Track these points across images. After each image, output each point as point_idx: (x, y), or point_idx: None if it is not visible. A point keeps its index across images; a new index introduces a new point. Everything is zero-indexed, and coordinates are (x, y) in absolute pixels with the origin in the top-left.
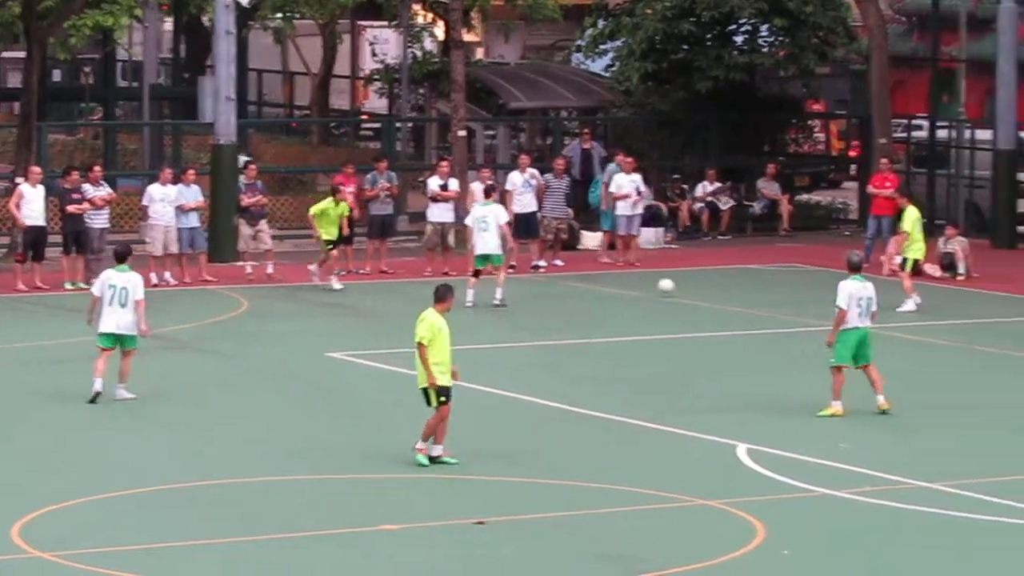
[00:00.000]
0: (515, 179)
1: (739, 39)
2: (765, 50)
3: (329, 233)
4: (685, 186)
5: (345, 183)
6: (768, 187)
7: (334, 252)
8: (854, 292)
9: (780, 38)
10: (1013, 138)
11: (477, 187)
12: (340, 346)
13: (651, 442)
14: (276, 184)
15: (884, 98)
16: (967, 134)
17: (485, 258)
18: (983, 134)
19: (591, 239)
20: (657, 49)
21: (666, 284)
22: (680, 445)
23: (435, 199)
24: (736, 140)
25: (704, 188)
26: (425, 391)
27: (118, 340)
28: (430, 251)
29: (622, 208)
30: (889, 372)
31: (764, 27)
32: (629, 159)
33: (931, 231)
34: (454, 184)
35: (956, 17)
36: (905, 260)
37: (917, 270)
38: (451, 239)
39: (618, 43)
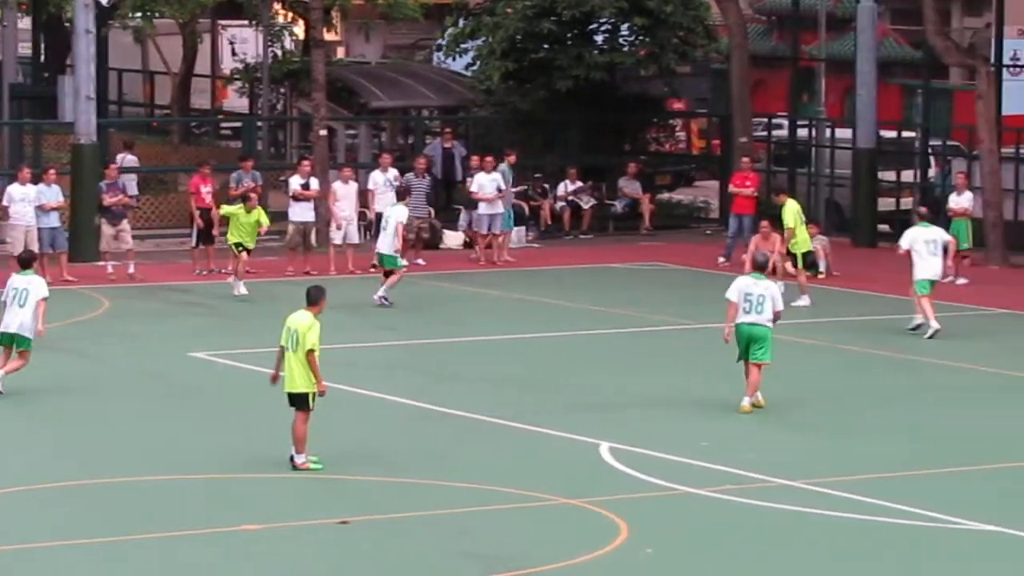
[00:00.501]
0: (377, 178)
1: (600, 38)
2: (626, 49)
3: (240, 237)
4: (547, 185)
5: (202, 184)
6: (629, 186)
7: (244, 256)
8: (743, 288)
9: (640, 37)
10: (873, 137)
11: (339, 187)
12: (202, 346)
13: (514, 441)
14: (137, 184)
15: (744, 97)
16: (827, 133)
17: (380, 257)
18: (843, 133)
19: (453, 238)
20: (518, 48)
21: None
22: (543, 444)
23: (296, 198)
24: (597, 139)
25: (565, 187)
26: (303, 396)
27: (12, 339)
28: (292, 251)
29: (484, 207)
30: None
31: (625, 26)
32: (489, 158)
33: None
34: (315, 183)
35: (815, 16)
36: (795, 257)
37: (807, 263)
38: (312, 238)
39: (479, 42)
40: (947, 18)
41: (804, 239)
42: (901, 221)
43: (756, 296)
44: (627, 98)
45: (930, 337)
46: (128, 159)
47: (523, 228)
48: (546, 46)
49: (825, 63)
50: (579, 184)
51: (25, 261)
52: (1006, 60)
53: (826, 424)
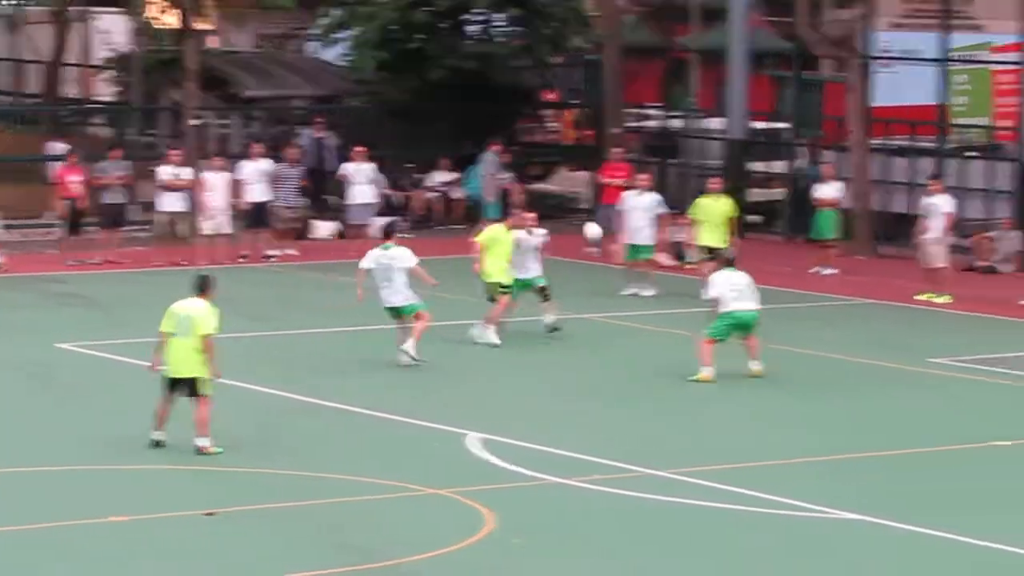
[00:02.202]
0: (248, 168)
1: (474, 28)
2: (500, 39)
3: None
4: (419, 176)
5: (70, 173)
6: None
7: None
8: (724, 281)
9: (515, 27)
10: (743, 128)
11: (210, 177)
12: (70, 337)
13: (385, 432)
14: (7, 173)
15: (617, 88)
16: (698, 123)
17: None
18: (714, 123)
19: (324, 228)
20: (391, 38)
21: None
22: (412, 434)
23: (167, 188)
24: (470, 130)
25: (437, 178)
26: (191, 381)
27: None
28: (161, 240)
29: (358, 198)
30: (619, 360)
31: (499, 16)
32: (360, 148)
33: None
34: (186, 173)
35: (688, 7)
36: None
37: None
38: (182, 228)
39: (353, 32)
40: (818, 10)
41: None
42: (770, 212)
43: (742, 286)
44: (501, 88)
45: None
46: None
47: (395, 218)
48: (420, 36)
49: (697, 54)
50: (451, 175)
51: None
52: (876, 52)
53: (692, 413)
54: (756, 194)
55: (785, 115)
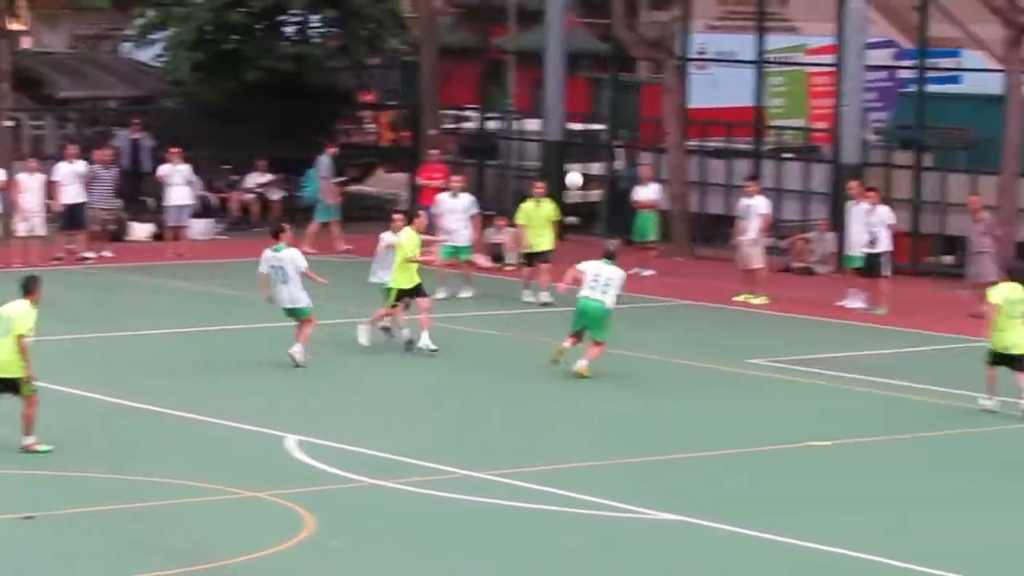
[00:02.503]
0: (62, 170)
1: (290, 30)
2: (316, 41)
3: None
4: (235, 177)
5: None
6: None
7: None
8: (591, 268)
9: (331, 29)
10: (561, 129)
11: (24, 178)
12: None
13: (202, 434)
14: None
15: (434, 89)
16: (516, 125)
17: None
18: (532, 125)
19: (140, 230)
20: (207, 39)
21: (574, 179)
22: (231, 437)
23: None
24: (287, 131)
25: (254, 179)
26: (14, 381)
27: None
28: None
29: (173, 199)
30: (439, 362)
31: (315, 18)
32: (175, 149)
33: (481, 222)
34: (0, 174)
35: (505, 9)
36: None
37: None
38: None
39: (168, 32)
40: (635, 12)
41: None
42: (588, 213)
43: (604, 279)
44: (318, 90)
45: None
46: None
47: (212, 220)
48: (236, 37)
49: (514, 55)
50: (268, 176)
51: None
52: (692, 54)
53: (512, 414)
54: (574, 196)
55: (602, 117)
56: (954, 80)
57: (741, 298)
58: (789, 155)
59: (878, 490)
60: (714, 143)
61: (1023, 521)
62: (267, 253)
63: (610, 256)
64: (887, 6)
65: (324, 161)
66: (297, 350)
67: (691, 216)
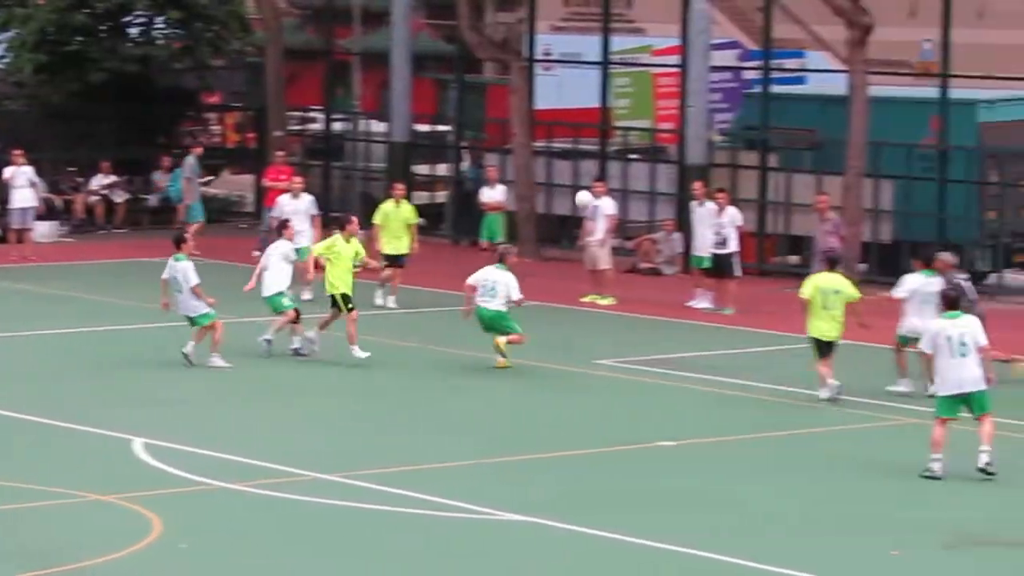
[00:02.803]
0: None
1: (134, 31)
2: (160, 42)
3: None
4: (80, 179)
5: None
6: (163, 180)
7: None
8: (481, 276)
9: (176, 30)
10: (407, 130)
11: None
12: None
13: (48, 438)
14: None
15: (279, 91)
16: (362, 126)
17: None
18: (378, 126)
19: None
20: (50, 40)
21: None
22: (76, 441)
23: None
24: (131, 132)
25: (98, 181)
26: None
27: None
28: None
29: (16, 202)
30: (284, 365)
31: (160, 19)
32: (18, 151)
33: (326, 223)
34: None
35: (350, 10)
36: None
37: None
38: None
39: (10, 34)
40: (480, 13)
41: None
42: (435, 214)
43: (491, 283)
44: (162, 91)
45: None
46: None
47: (56, 222)
48: (79, 38)
49: (359, 57)
50: (113, 178)
51: None
52: (538, 55)
53: (365, 416)
54: (420, 197)
55: (448, 118)
56: (799, 81)
57: (588, 299)
58: (635, 156)
59: (724, 489)
60: (560, 144)
61: (867, 514)
62: (170, 261)
63: (501, 260)
64: (731, 7)
65: (189, 162)
66: (189, 348)
67: (537, 217)
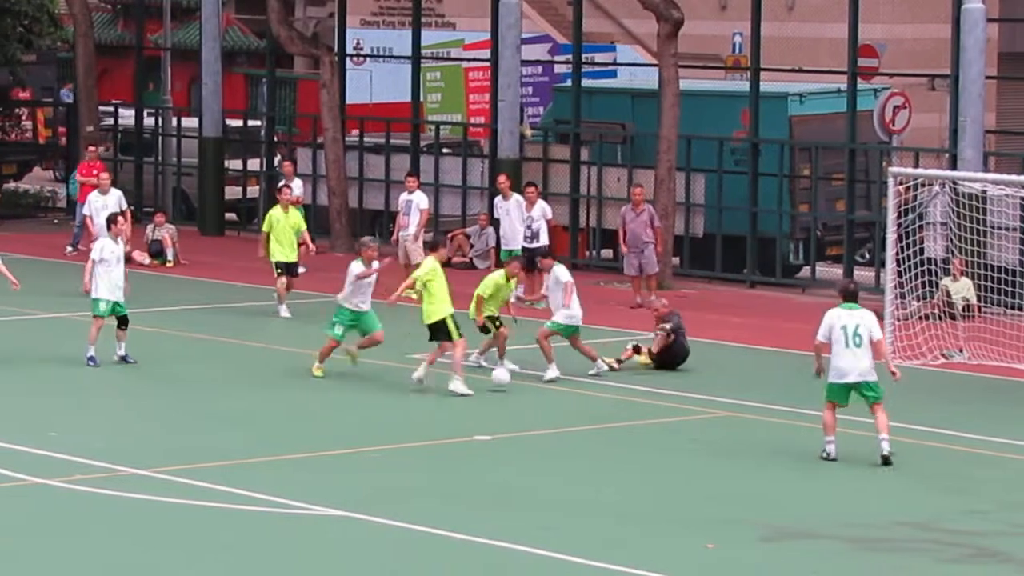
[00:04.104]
0: None
1: None
2: None
3: None
4: None
5: None
6: None
7: None
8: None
9: None
10: (219, 126)
11: None
12: None
13: None
14: None
15: (90, 86)
16: (173, 121)
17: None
18: (189, 122)
19: None
20: None
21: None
22: None
23: None
24: None
25: None
26: None
27: None
28: None
29: None
30: (116, 366)
31: None
32: None
33: (140, 218)
34: None
35: (160, 5)
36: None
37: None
38: None
39: None
40: (291, 8)
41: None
42: (248, 209)
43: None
44: None
45: None
46: None
47: None
48: None
49: (170, 52)
50: None
51: None
52: (349, 49)
53: (177, 411)
54: (233, 192)
55: (259, 113)
56: (610, 75)
57: (405, 295)
58: (447, 150)
59: (539, 483)
60: (372, 139)
61: (684, 508)
62: None
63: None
64: (542, 2)
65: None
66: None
67: (351, 212)
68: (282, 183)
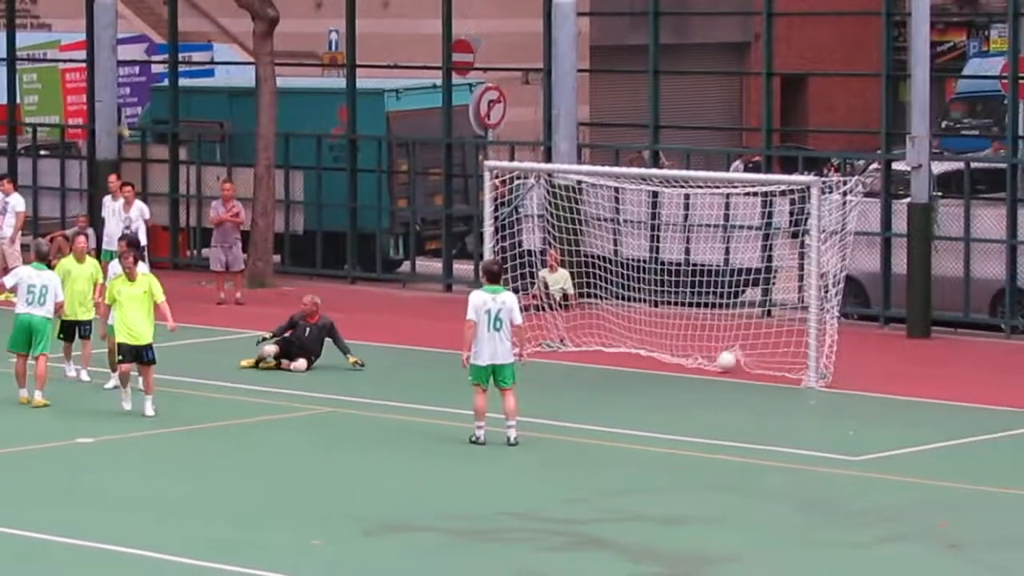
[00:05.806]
0: None
1: None
2: None
3: None
4: None
5: None
6: None
7: None
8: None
9: None
10: None
11: None
12: None
13: None
14: None
15: None
16: None
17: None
18: None
19: None
20: None
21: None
22: None
23: None
24: None
25: None
26: None
27: None
28: None
29: None
30: None
31: None
32: None
33: None
34: None
35: None
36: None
37: None
38: None
39: None
40: None
41: None
42: None
43: (39, 287)
44: None
45: None
46: None
47: None
48: None
49: None
50: None
51: None
52: None
53: None
54: None
55: None
56: (208, 74)
57: (2, 297)
58: (45, 152)
59: (142, 484)
60: None
61: (290, 505)
62: None
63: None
64: (137, 2)
65: None
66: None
67: None
68: None
